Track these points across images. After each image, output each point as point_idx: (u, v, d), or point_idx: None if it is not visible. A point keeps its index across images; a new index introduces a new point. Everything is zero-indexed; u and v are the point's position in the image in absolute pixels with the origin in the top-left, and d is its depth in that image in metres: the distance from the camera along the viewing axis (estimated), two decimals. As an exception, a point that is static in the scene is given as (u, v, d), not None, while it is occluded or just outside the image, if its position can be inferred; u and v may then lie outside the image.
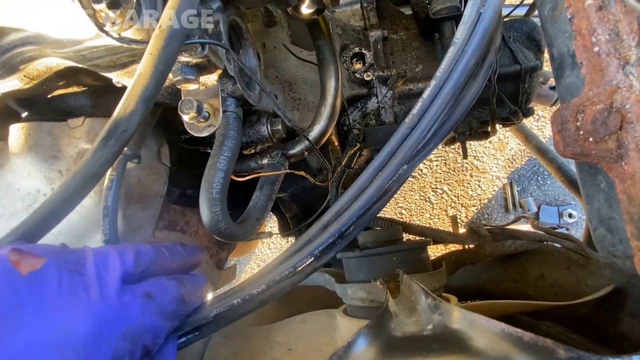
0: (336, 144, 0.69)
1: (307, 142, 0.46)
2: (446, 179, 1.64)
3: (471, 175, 1.63)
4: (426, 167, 1.62)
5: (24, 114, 0.40)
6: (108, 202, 0.33)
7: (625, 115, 0.23)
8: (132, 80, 0.27)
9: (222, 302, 0.30)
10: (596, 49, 0.24)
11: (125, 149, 0.37)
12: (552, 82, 1.15)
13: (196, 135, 0.35)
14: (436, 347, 0.20)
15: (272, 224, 1.48)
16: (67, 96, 0.40)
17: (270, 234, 0.80)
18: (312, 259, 0.31)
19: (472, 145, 1.64)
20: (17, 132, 0.39)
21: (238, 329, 0.50)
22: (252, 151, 0.52)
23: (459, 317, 0.19)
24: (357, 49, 0.72)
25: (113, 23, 0.25)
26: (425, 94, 0.30)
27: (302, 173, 0.47)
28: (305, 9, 0.37)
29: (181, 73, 0.31)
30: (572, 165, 0.95)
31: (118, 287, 0.23)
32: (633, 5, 0.19)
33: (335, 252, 0.34)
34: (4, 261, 0.20)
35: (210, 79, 0.34)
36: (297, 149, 0.47)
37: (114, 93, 0.42)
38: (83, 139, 0.39)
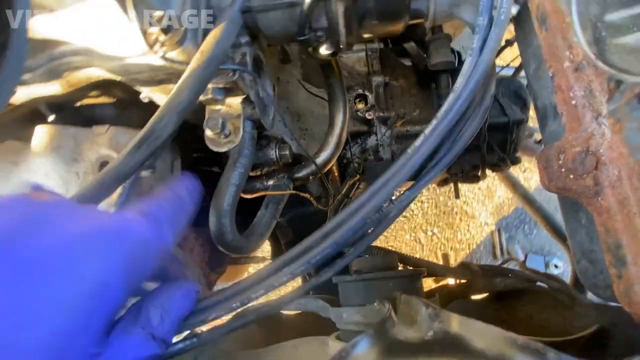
0: (336, 174, 0.72)
1: (313, 167, 0.49)
2: (436, 221, 1.68)
3: (461, 220, 1.67)
4: (417, 208, 1.66)
5: (50, 118, 0.43)
6: (120, 200, 0.34)
7: (600, 158, 0.26)
8: (170, 95, 0.30)
9: (221, 305, 0.30)
10: (574, 102, 0.29)
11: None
12: (537, 136, 1.24)
13: (215, 150, 0.37)
14: (438, 348, 0.21)
15: (264, 247, 1.46)
16: (94, 105, 0.43)
17: (263, 259, 0.80)
18: (310, 269, 0.32)
19: (462, 191, 1.70)
20: (42, 132, 0.41)
21: (227, 352, 0.49)
22: (259, 173, 0.54)
23: (458, 323, 0.20)
24: (360, 91, 0.78)
25: (162, 44, 0.29)
26: (427, 130, 0.34)
27: (307, 195, 0.49)
28: (324, 51, 0.42)
29: (212, 93, 0.34)
30: (557, 214, 1.00)
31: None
32: (603, 66, 0.23)
33: (333, 272, 0.36)
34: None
35: (235, 101, 0.38)
36: (303, 172, 0.50)
37: (137, 107, 0.45)
38: (105, 145, 0.41)
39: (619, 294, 0.25)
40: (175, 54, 0.30)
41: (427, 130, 0.34)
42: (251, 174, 0.54)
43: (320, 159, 0.50)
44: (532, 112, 0.87)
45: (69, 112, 0.42)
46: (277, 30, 0.39)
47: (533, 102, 0.38)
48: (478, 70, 0.33)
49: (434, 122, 0.34)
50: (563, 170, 0.27)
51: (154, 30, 0.28)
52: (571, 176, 0.27)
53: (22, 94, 0.35)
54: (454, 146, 0.38)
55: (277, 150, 0.51)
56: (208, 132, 0.35)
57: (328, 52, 0.42)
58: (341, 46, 0.42)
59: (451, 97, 0.34)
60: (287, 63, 0.65)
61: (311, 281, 0.37)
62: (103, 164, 0.42)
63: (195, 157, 0.55)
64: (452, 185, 0.91)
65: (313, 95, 0.67)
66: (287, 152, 0.51)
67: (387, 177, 0.33)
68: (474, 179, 0.89)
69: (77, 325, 0.20)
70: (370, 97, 0.78)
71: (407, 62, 0.90)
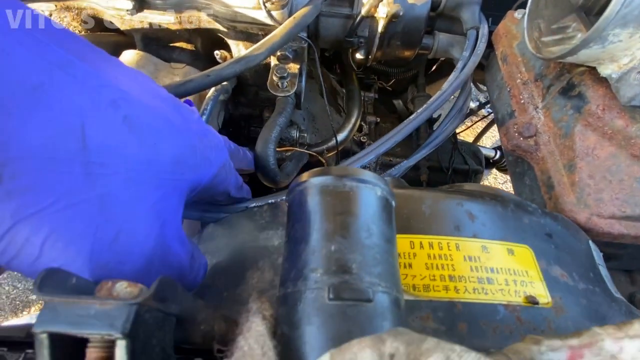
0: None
1: (329, 144, 0.61)
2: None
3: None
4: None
5: (137, 50, 0.52)
6: (207, 107, 0.43)
7: (537, 129, 0.42)
8: (267, 37, 0.43)
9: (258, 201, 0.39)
10: (522, 101, 0.46)
11: (225, 83, 0.49)
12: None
13: (273, 93, 0.48)
14: (444, 188, 0.32)
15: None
16: (175, 49, 0.54)
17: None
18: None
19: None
20: (129, 54, 0.50)
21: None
22: (279, 146, 0.65)
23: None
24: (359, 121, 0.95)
25: (272, 4, 0.43)
26: (423, 107, 0.49)
27: (323, 160, 0.60)
28: (359, 55, 0.58)
29: (286, 50, 0.48)
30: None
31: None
32: (540, 56, 0.40)
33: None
34: None
35: (295, 66, 0.51)
36: (320, 147, 0.62)
37: (207, 61, 0.56)
38: (179, 77, 0.51)
39: (550, 209, 0.38)
40: (275, 14, 0.44)
41: (424, 107, 0.49)
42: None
43: (339, 137, 0.62)
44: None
45: (154, 48, 0.53)
46: (332, 33, 0.55)
47: (495, 117, 0.56)
48: (460, 78, 0.50)
49: (429, 102, 0.49)
50: (516, 134, 0.43)
51: (271, -7, 0.42)
52: (521, 138, 0.42)
53: (141, 17, 0.46)
54: (442, 132, 0.53)
55: (297, 132, 0.63)
56: (274, 77, 0.47)
57: (361, 57, 0.58)
58: (370, 56, 0.59)
59: (440, 91, 0.50)
60: (311, 79, 0.82)
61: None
62: (174, 89, 0.51)
63: (238, 115, 0.65)
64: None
65: (325, 108, 0.82)
66: (305, 135, 0.63)
67: (397, 130, 0.47)
68: (438, 213, 1.04)
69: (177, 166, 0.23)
70: (365, 128, 0.96)
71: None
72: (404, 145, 0.98)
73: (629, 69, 0.32)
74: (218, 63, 0.57)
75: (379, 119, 1.02)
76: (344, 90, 0.70)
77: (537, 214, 0.30)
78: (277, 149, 0.58)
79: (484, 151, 1.35)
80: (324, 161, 0.61)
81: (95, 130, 0.19)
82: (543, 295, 0.25)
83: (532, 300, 0.24)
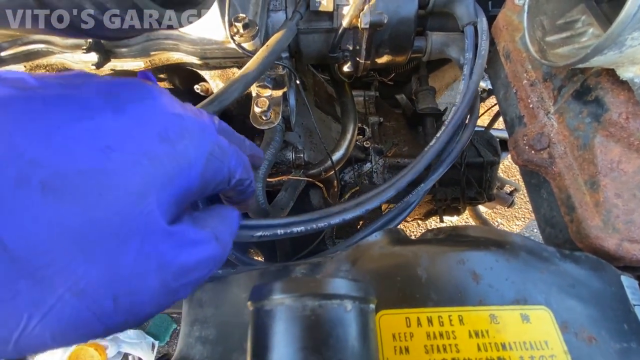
0: (336, 190, 0.81)
1: (325, 165, 0.58)
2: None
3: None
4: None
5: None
6: None
7: (551, 139, 0.37)
8: (240, 71, 0.39)
9: (268, 229, 0.36)
10: (531, 105, 0.41)
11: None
12: (508, 188, 1.39)
13: (257, 126, 0.45)
14: (442, 237, 0.28)
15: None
16: (154, 90, 0.52)
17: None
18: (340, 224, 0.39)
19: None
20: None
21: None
22: (275, 170, 0.62)
23: (462, 227, 0.27)
24: (359, 125, 0.91)
25: (241, 36, 0.39)
26: (442, 129, 0.45)
27: (320, 185, 0.57)
28: (346, 69, 0.54)
29: (264, 80, 0.44)
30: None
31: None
32: (545, 62, 0.35)
33: (360, 237, 0.42)
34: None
35: (277, 94, 0.47)
36: (317, 169, 0.58)
37: (189, 96, 0.54)
38: (160, 120, 0.49)
39: (573, 234, 0.34)
40: (246, 45, 0.41)
41: (442, 129, 0.45)
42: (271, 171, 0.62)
43: (334, 157, 0.59)
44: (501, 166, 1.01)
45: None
46: (314, 49, 0.51)
47: (503, 119, 0.51)
48: (471, 88, 0.45)
49: (446, 122, 0.45)
50: (527, 147, 0.38)
51: (238, 24, 0.39)
52: (532, 151, 0.37)
53: (110, 66, 0.44)
54: (457, 145, 0.48)
55: (293, 153, 0.60)
56: (256, 109, 0.44)
57: (349, 70, 0.54)
58: (360, 67, 0.55)
59: (455, 107, 0.46)
60: (305, 90, 0.78)
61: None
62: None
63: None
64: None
65: (322, 118, 0.79)
66: (302, 156, 0.60)
67: (418, 159, 0.43)
68: (455, 211, 0.99)
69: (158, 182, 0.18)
70: (368, 131, 0.91)
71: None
72: (411, 143, 0.93)
73: (655, 72, 0.27)
74: (202, 97, 0.55)
75: (382, 119, 0.97)
76: (338, 102, 0.66)
77: (554, 261, 0.26)
78: (270, 179, 0.56)
79: (499, 134, 1.27)
80: (321, 186, 0.58)
81: (11, 228, 0.15)
82: (568, 370, 0.21)
83: (554, 383, 0.21)
